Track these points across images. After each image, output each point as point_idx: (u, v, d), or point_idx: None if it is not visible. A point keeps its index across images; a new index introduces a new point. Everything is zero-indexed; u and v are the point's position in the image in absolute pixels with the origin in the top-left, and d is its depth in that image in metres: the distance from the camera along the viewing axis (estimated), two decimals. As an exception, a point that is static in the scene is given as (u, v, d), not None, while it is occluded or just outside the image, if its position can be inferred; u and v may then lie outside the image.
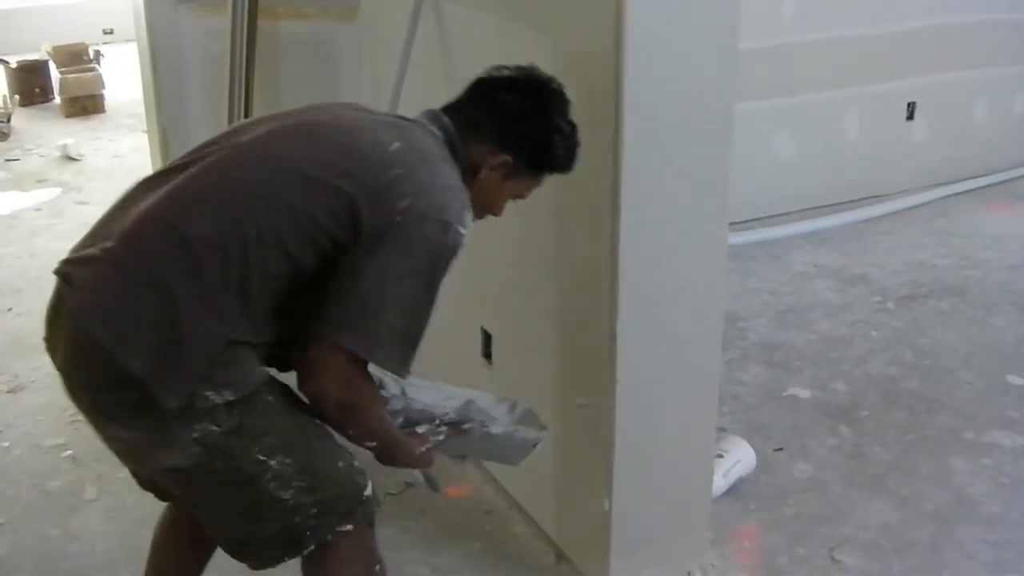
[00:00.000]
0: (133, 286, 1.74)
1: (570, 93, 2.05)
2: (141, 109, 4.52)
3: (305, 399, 1.84)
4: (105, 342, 1.70)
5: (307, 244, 1.77)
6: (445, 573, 2.70)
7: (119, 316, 1.72)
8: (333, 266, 1.78)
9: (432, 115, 2.00)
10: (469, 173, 1.96)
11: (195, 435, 1.74)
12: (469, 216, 1.88)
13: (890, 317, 4.21)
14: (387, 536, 2.41)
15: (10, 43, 8.40)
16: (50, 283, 1.82)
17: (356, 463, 1.92)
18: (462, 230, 1.84)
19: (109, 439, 1.85)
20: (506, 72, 2.04)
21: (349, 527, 1.89)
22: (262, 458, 1.78)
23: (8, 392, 3.65)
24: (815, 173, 5.36)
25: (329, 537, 1.87)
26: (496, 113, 1.99)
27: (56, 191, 5.82)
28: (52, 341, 1.84)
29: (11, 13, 9.08)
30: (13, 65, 7.60)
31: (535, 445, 2.27)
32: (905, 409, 3.50)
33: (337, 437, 1.91)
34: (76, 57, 7.68)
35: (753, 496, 3.01)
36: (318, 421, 1.87)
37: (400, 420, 2.05)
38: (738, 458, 3.03)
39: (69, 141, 6.56)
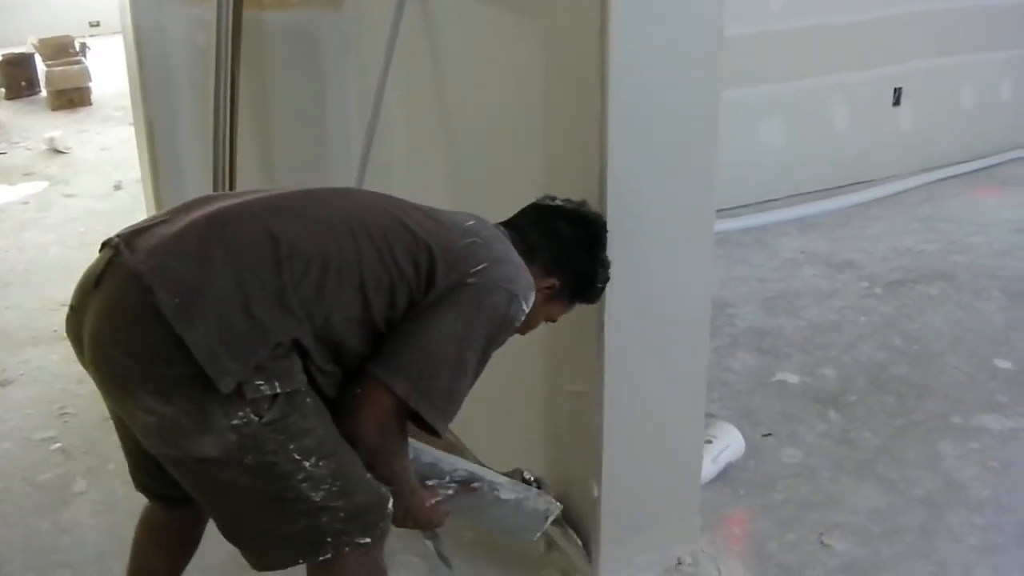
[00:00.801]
0: (210, 263, 1.75)
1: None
2: (128, 102, 4.50)
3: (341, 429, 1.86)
4: (166, 308, 1.69)
5: (383, 287, 1.85)
6: (435, 562, 2.70)
7: (188, 287, 1.72)
8: (390, 325, 1.87)
9: (494, 224, 2.08)
10: None
11: (235, 422, 1.72)
12: (532, 297, 1.97)
13: (878, 302, 4.23)
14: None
15: (-5, 36, 8.41)
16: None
17: None
18: (524, 307, 1.94)
19: (139, 411, 1.76)
20: (559, 202, 2.16)
21: (368, 540, 1.88)
22: (297, 457, 1.78)
23: (-3, 386, 3.65)
24: (803, 159, 5.38)
25: (347, 548, 1.86)
26: (552, 240, 2.09)
27: (43, 184, 5.77)
28: (80, 309, 1.81)
29: (-4, 6, 9.08)
30: (-1, 58, 7.61)
31: (547, 518, 2.29)
32: (893, 394, 3.51)
33: None
34: (62, 50, 7.66)
35: (742, 482, 3.02)
36: None
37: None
38: (727, 444, 3.04)
39: (56, 134, 6.55)
